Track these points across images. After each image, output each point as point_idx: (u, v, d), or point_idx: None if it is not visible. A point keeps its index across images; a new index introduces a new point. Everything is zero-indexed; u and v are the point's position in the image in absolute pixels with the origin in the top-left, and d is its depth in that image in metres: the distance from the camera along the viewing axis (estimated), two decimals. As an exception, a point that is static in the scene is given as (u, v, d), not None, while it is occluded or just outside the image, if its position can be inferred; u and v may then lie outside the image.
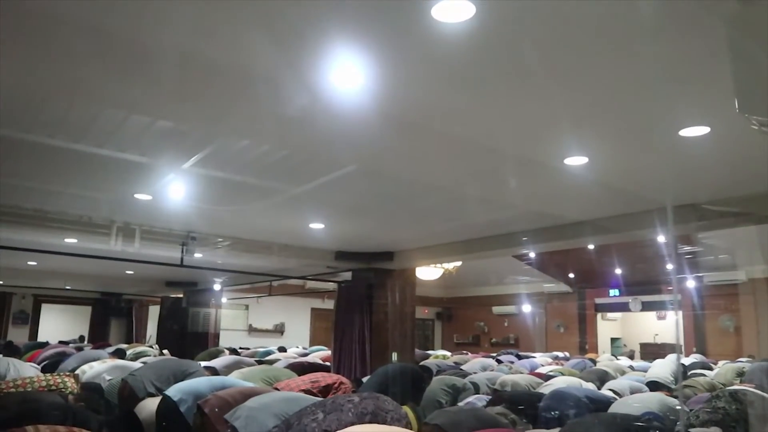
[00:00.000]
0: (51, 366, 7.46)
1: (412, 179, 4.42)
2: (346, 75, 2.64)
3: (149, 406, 5.02)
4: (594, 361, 10.69)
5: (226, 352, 10.46)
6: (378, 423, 3.50)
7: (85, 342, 14.12)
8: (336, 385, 5.54)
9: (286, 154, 3.98)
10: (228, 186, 4.75)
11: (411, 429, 3.66)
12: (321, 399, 3.74)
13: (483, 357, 11.53)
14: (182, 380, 5.34)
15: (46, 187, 5.02)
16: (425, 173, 4.26)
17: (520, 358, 11.57)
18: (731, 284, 11.59)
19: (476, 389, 6.57)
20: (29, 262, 10.05)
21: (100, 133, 3.65)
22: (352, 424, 3.35)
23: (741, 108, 1.47)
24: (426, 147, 3.71)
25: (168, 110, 3.25)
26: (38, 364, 7.72)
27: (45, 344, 11.27)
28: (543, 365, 10.09)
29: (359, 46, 2.39)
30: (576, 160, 3.71)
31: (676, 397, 5.69)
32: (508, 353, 12.53)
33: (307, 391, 4.98)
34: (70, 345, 11.74)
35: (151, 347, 11.56)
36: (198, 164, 4.19)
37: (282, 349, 12.06)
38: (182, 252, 6.86)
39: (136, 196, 5.15)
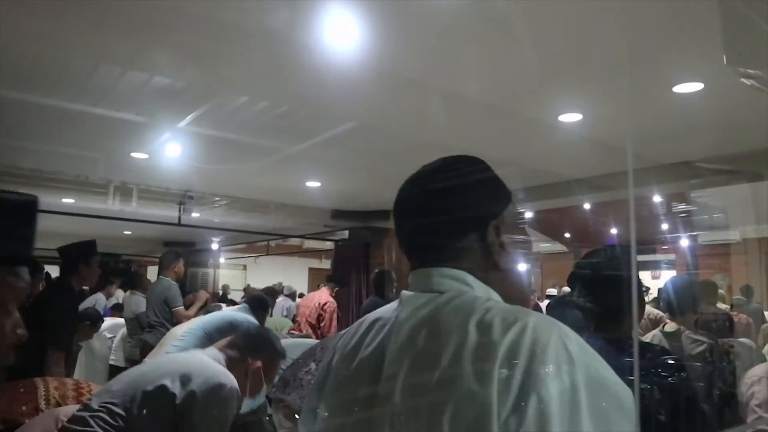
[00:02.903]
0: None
1: (408, 136, 4.43)
2: (343, 30, 2.64)
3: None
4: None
5: (222, 306, 10.57)
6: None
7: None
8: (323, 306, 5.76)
9: (284, 112, 3.98)
10: (225, 145, 4.76)
11: None
12: (311, 346, 3.78)
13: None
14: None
15: (43, 147, 5.02)
16: (421, 130, 4.27)
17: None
18: (725, 244, 11.66)
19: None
20: (27, 223, 10.05)
21: (96, 92, 3.65)
22: None
23: (729, 60, 1.49)
24: (422, 104, 3.71)
25: (164, 66, 3.24)
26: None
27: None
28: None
29: (355, 1, 2.39)
30: (570, 117, 3.72)
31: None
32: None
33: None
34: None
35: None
36: (194, 123, 4.19)
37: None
38: (179, 211, 6.90)
39: (133, 154, 5.16)
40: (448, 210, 0.96)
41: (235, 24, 2.61)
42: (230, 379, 2.07)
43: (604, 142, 4.31)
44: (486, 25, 2.57)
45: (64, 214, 6.56)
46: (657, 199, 7.42)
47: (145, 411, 1.94)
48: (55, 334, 3.28)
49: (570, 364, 0.75)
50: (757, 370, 2.94)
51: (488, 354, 0.77)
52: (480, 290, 0.93)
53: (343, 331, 1.08)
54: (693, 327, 3.11)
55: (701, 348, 2.88)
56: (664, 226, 11.26)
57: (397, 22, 2.55)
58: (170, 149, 4.89)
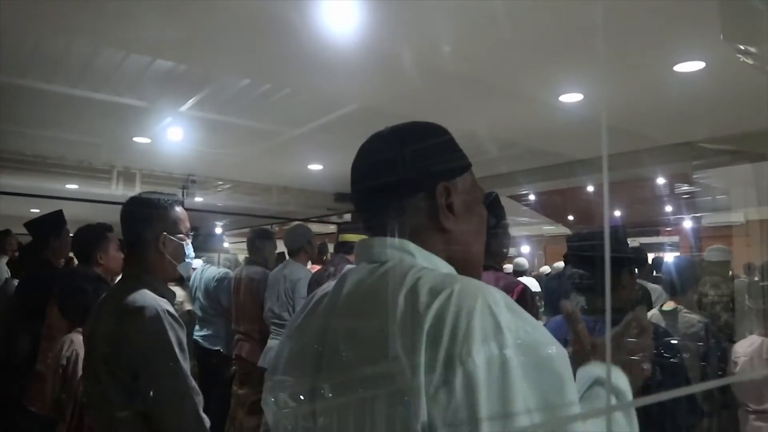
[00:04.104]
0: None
1: (409, 118, 4.42)
2: (344, 12, 2.64)
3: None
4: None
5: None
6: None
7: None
8: None
9: (286, 95, 3.98)
10: (227, 128, 4.77)
11: None
12: None
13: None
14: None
15: (45, 133, 5.04)
16: (422, 112, 4.26)
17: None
18: (729, 226, 11.64)
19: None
20: (32, 210, 10.11)
21: (97, 77, 3.66)
22: None
23: (726, 36, 1.49)
24: (423, 85, 3.71)
25: (165, 50, 3.24)
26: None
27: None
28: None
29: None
30: (571, 97, 3.72)
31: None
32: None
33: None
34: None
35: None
36: (196, 107, 4.20)
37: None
38: (183, 195, 6.93)
39: (135, 139, 5.17)
40: (397, 165, 0.93)
41: (237, 7, 2.62)
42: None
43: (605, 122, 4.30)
44: (486, 4, 2.56)
45: (67, 199, 6.59)
46: (660, 180, 7.42)
47: None
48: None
49: (497, 330, 0.73)
50: (738, 349, 3.00)
51: (414, 326, 0.75)
52: (422, 258, 0.90)
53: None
54: (692, 306, 3.15)
55: (696, 328, 2.92)
56: (668, 208, 11.24)
57: (397, 3, 2.55)
58: (172, 133, 4.91)
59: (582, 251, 2.00)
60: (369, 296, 0.87)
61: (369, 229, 0.97)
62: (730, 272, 4.26)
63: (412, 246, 0.90)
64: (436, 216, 0.92)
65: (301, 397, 0.89)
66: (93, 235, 2.89)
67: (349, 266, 1.00)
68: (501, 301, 0.77)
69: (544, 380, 0.73)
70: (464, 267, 0.93)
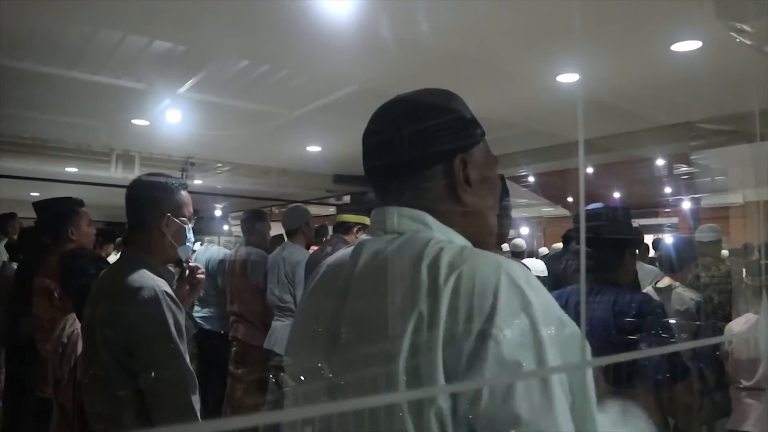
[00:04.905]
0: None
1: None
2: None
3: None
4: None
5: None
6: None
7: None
8: None
9: (284, 76, 3.97)
10: (225, 110, 4.77)
11: None
12: None
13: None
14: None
15: (44, 116, 5.04)
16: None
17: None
18: (727, 207, 11.62)
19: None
20: (32, 193, 10.12)
21: (95, 60, 3.65)
22: None
23: (719, 14, 1.50)
24: (422, 66, 3.70)
25: (163, 30, 3.24)
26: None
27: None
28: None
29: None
30: (568, 77, 3.72)
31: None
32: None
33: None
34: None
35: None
36: (194, 89, 4.20)
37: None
38: (182, 177, 6.92)
39: (134, 122, 5.18)
40: (415, 137, 0.91)
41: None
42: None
43: (602, 102, 4.31)
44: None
45: (67, 182, 6.61)
46: (659, 161, 7.42)
47: None
48: None
49: (523, 301, 0.74)
50: (734, 327, 3.03)
51: (435, 298, 0.75)
52: (438, 231, 0.89)
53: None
54: (687, 284, 3.18)
55: (689, 305, 2.95)
56: (667, 189, 11.24)
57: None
58: (171, 116, 4.91)
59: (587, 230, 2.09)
60: (388, 267, 0.85)
61: (383, 201, 0.95)
62: (723, 251, 4.30)
63: (429, 218, 0.89)
64: (453, 188, 0.91)
65: (321, 370, 0.87)
66: (64, 210, 2.76)
67: (364, 236, 0.99)
68: (522, 275, 0.77)
69: (568, 349, 0.74)
70: (479, 239, 0.93)
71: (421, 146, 0.91)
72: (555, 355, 0.72)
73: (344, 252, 0.97)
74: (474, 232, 0.93)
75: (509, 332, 0.71)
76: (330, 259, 1.00)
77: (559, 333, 0.74)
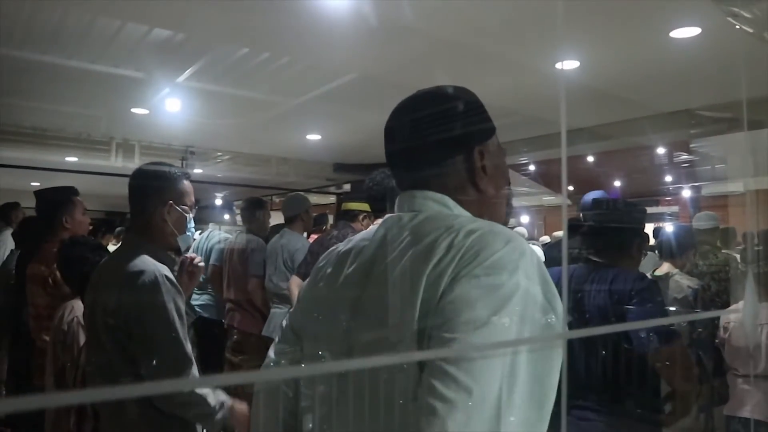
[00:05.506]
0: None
1: (409, 87, 4.41)
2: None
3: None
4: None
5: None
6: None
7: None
8: None
9: (283, 64, 3.97)
10: (225, 99, 4.77)
11: None
12: None
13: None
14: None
15: (43, 106, 5.04)
16: (421, 80, 4.25)
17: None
18: (726, 195, 11.61)
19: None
20: (32, 183, 10.13)
21: (94, 48, 3.65)
22: None
23: None
24: (422, 53, 3.69)
25: (162, 18, 3.23)
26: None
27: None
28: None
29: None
30: (567, 65, 3.71)
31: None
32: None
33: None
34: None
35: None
36: (193, 77, 4.20)
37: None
38: (182, 167, 6.92)
39: (133, 110, 5.17)
40: (438, 131, 0.99)
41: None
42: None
43: (602, 90, 4.30)
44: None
45: (68, 171, 6.61)
46: (659, 149, 7.41)
47: None
48: None
49: (511, 272, 0.79)
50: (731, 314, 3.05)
51: (450, 253, 0.83)
52: (458, 213, 0.97)
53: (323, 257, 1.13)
54: (685, 272, 3.19)
55: (686, 293, 2.97)
56: (667, 177, 11.22)
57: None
58: (171, 104, 4.91)
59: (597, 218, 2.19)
60: (411, 235, 0.92)
61: (406, 188, 1.02)
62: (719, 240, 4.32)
63: (450, 201, 0.97)
64: (472, 176, 0.99)
65: (338, 342, 0.95)
66: (58, 199, 2.79)
67: (375, 224, 1.06)
68: (530, 258, 0.83)
69: (530, 320, 0.79)
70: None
71: (445, 137, 0.99)
72: (510, 334, 0.76)
73: (370, 229, 1.06)
74: (487, 217, 0.99)
75: (486, 280, 0.78)
76: (357, 236, 1.09)
77: (531, 318, 0.78)
